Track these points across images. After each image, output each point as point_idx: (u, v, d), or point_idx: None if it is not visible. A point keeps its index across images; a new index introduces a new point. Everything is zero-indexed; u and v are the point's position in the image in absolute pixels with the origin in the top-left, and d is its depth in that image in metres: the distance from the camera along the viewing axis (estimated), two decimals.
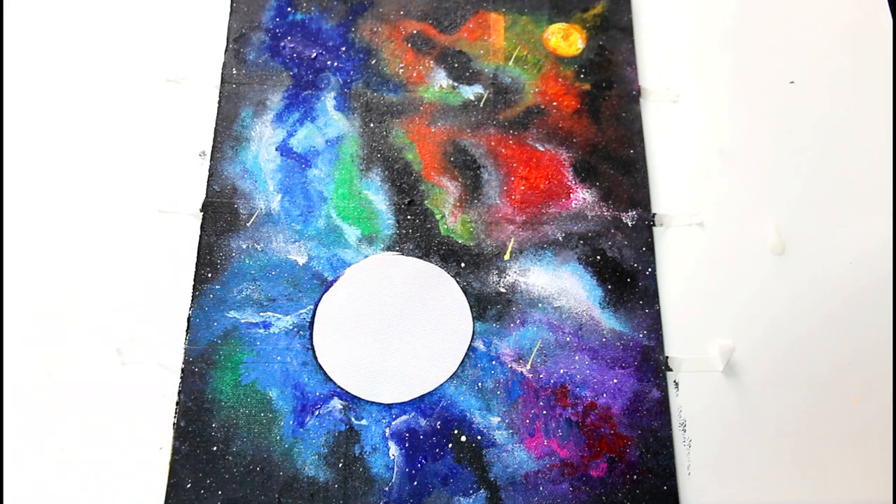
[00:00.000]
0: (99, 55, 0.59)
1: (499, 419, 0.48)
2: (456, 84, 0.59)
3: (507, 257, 0.53)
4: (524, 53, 0.60)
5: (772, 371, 0.51)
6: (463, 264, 0.53)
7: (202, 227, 0.53)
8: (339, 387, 0.49)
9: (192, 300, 0.51)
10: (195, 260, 0.52)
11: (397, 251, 0.53)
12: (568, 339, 0.51)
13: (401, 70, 0.59)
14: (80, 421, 0.48)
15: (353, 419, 0.48)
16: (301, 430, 0.48)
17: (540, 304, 0.52)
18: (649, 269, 0.53)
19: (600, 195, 0.55)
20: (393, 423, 0.48)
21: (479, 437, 0.48)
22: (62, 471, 0.47)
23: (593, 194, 0.55)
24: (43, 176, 0.55)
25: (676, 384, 0.50)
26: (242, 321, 0.50)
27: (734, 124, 0.59)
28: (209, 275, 0.51)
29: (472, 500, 0.46)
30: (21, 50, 0.59)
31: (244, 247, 0.52)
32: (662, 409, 0.49)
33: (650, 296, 0.52)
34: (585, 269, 0.53)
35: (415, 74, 0.59)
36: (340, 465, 0.47)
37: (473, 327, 0.51)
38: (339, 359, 0.50)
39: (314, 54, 0.59)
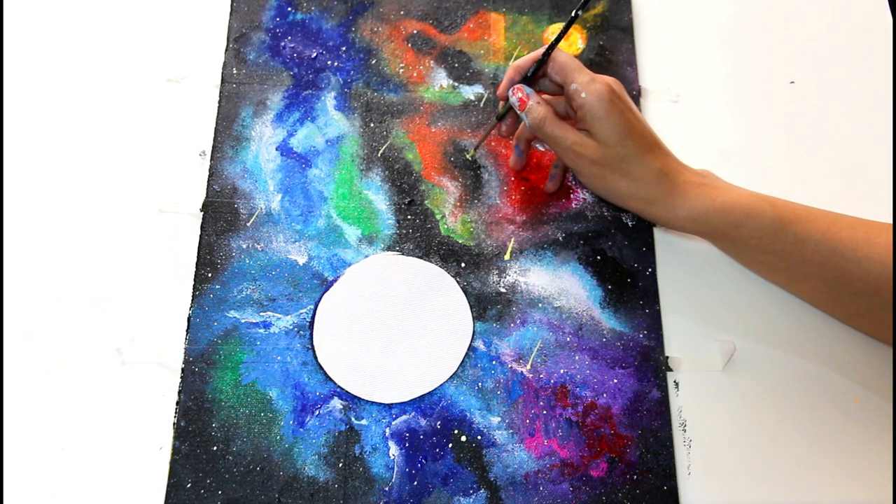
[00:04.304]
0: (99, 55, 0.59)
1: (499, 419, 0.48)
2: (456, 84, 0.59)
3: (507, 257, 0.53)
4: (524, 53, 0.60)
5: (772, 371, 0.51)
6: (463, 264, 0.53)
7: (202, 227, 0.53)
8: (339, 387, 0.49)
9: (192, 300, 0.51)
10: (195, 260, 0.52)
11: (397, 251, 0.53)
12: (568, 339, 0.51)
13: (401, 70, 0.59)
14: (80, 421, 0.48)
15: (353, 419, 0.48)
16: (301, 429, 0.48)
17: (540, 304, 0.52)
18: (649, 269, 0.53)
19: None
20: (393, 423, 0.48)
21: (479, 437, 0.48)
22: (62, 471, 0.47)
23: (593, 194, 0.55)
24: (43, 176, 0.55)
25: (676, 384, 0.50)
26: (242, 321, 0.50)
27: (734, 124, 0.59)
28: (209, 275, 0.51)
29: (472, 500, 0.46)
30: (21, 50, 0.59)
31: (244, 247, 0.52)
32: (662, 409, 0.49)
33: (650, 296, 0.52)
34: (585, 269, 0.53)
35: (415, 74, 0.59)
36: (340, 465, 0.47)
37: (473, 327, 0.51)
38: (339, 359, 0.50)
39: (314, 54, 0.59)
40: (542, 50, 0.48)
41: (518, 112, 0.49)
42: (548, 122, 0.47)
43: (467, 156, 0.56)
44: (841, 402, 0.50)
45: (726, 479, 0.48)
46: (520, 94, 0.48)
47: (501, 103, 0.52)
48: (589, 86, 0.46)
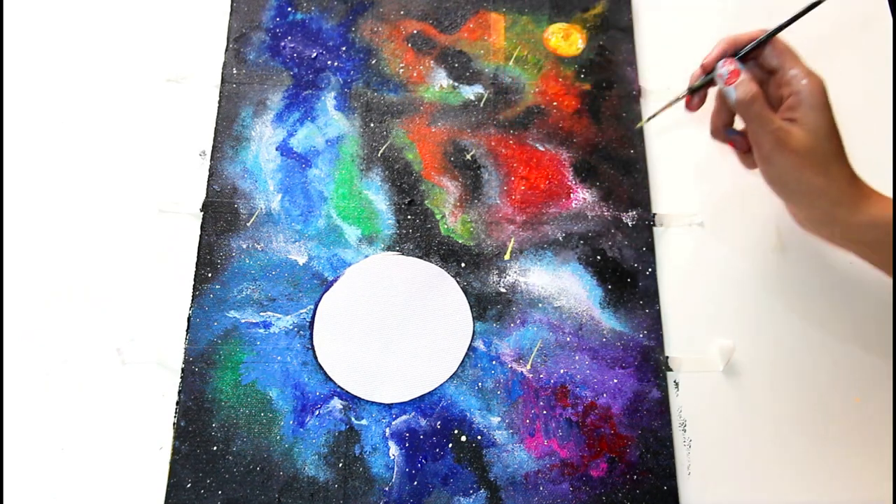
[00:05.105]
0: (99, 55, 0.59)
1: (499, 419, 0.48)
2: (456, 84, 0.59)
3: (507, 257, 0.53)
4: (524, 53, 0.60)
5: (772, 371, 0.51)
6: (463, 264, 0.53)
7: (202, 227, 0.53)
8: (339, 387, 0.49)
9: (192, 300, 0.51)
10: (195, 260, 0.52)
11: (397, 251, 0.53)
12: (568, 339, 0.51)
13: (401, 70, 0.59)
14: (80, 421, 0.48)
15: (353, 419, 0.48)
16: (301, 429, 0.48)
17: (540, 304, 0.52)
18: (649, 269, 0.53)
19: (600, 195, 0.55)
20: (393, 422, 0.48)
21: (479, 437, 0.48)
22: (62, 471, 0.47)
23: (593, 194, 0.55)
24: (43, 176, 0.55)
25: (676, 384, 0.50)
26: (242, 321, 0.50)
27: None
28: (209, 275, 0.51)
29: (472, 500, 0.46)
30: (21, 50, 0.59)
31: (244, 247, 0.52)
32: (662, 409, 0.49)
33: (650, 296, 0.52)
34: (585, 269, 0.53)
35: (415, 74, 0.59)
36: (340, 464, 0.47)
37: (473, 327, 0.51)
38: (339, 359, 0.50)
39: (314, 54, 0.59)
40: (763, 30, 0.46)
41: (723, 87, 0.47)
42: (759, 101, 0.45)
43: (639, 125, 0.54)
44: (841, 402, 0.50)
45: (726, 479, 0.48)
46: (731, 66, 0.46)
47: (699, 74, 0.49)
48: (810, 75, 0.45)
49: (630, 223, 0.55)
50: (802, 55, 0.47)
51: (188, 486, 0.46)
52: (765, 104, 0.46)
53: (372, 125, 0.57)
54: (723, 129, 0.51)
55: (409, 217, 0.54)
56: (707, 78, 0.48)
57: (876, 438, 0.49)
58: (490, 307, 0.51)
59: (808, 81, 0.45)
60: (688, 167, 0.57)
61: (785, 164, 0.46)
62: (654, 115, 0.54)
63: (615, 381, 0.50)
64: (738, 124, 0.49)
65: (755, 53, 0.47)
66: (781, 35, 0.47)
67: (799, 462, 0.48)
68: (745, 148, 0.50)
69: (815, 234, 0.51)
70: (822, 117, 0.45)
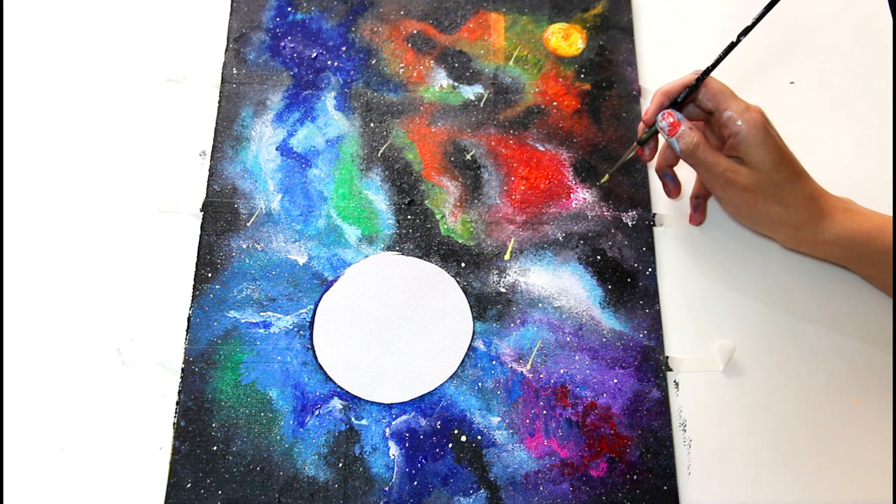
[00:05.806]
0: (99, 55, 0.59)
1: (499, 419, 0.48)
2: (456, 84, 0.59)
3: (507, 257, 0.53)
4: (524, 53, 0.60)
5: (772, 371, 0.51)
6: (463, 264, 0.53)
7: (202, 227, 0.53)
8: (339, 387, 0.49)
9: (192, 300, 0.51)
10: (195, 260, 0.52)
11: (397, 251, 0.53)
12: (568, 339, 0.51)
13: (401, 70, 0.59)
14: (80, 421, 0.48)
15: (353, 419, 0.48)
16: (301, 429, 0.48)
17: (540, 304, 0.52)
18: (649, 269, 0.53)
19: (600, 195, 0.55)
20: (393, 422, 0.48)
21: (479, 437, 0.48)
22: (62, 471, 0.47)
23: (593, 194, 0.55)
24: (43, 176, 0.55)
25: (676, 384, 0.50)
26: (242, 321, 0.50)
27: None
28: (209, 275, 0.51)
29: (472, 500, 0.46)
30: (21, 50, 0.59)
31: (244, 247, 0.52)
32: (662, 409, 0.49)
33: (650, 296, 0.52)
34: (585, 269, 0.53)
35: (415, 74, 0.59)
36: (340, 465, 0.47)
37: (473, 327, 0.51)
38: (339, 359, 0.50)
39: (314, 54, 0.59)
40: (693, 75, 0.47)
41: (666, 137, 0.48)
42: (701, 148, 0.46)
43: (601, 182, 0.55)
44: (841, 402, 0.50)
45: (726, 479, 0.48)
46: (670, 119, 0.47)
47: (643, 128, 0.50)
48: (745, 114, 0.45)
49: (630, 223, 0.55)
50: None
51: (188, 486, 0.46)
52: (708, 149, 0.47)
53: (372, 125, 0.57)
54: (666, 168, 0.53)
55: (409, 217, 0.54)
56: (651, 131, 0.50)
57: (876, 438, 0.49)
58: (490, 307, 0.51)
59: (743, 121, 0.45)
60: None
61: (738, 201, 0.48)
62: (613, 170, 0.55)
63: (615, 381, 0.50)
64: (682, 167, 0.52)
65: (692, 97, 0.48)
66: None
67: (799, 462, 0.48)
68: (672, 193, 0.53)
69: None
70: (765, 152, 0.45)
